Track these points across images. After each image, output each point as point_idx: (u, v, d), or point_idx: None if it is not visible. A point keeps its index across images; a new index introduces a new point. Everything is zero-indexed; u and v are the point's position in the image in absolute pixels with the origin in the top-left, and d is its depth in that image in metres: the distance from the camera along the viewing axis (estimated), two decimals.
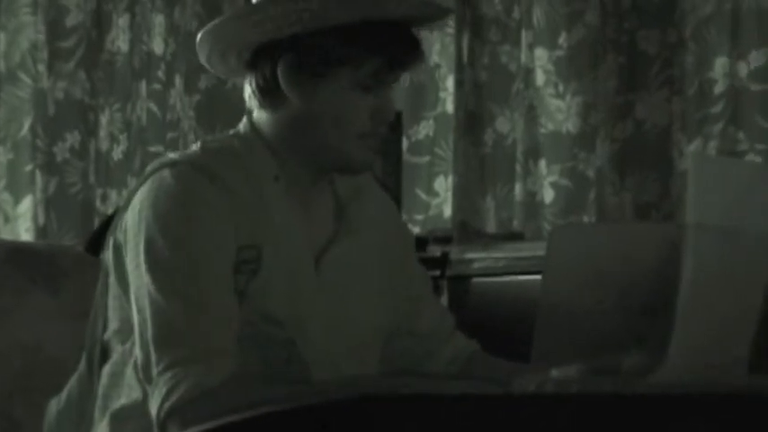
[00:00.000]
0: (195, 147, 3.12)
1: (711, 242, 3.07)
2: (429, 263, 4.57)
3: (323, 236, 3.17)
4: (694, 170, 3.12)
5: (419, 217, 6.19)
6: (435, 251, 4.75)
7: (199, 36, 3.11)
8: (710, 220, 3.08)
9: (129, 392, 3.06)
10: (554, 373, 2.95)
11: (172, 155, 3.11)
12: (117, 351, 3.10)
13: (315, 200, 3.16)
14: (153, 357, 2.88)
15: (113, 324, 3.09)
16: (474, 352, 3.42)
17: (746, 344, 3.16)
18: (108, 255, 3.08)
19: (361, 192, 3.27)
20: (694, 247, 3.03)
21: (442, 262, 4.63)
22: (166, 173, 2.99)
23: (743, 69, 6.15)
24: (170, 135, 5.60)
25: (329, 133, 3.03)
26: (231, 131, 3.18)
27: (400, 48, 3.07)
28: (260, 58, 3.05)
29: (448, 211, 6.21)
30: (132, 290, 2.97)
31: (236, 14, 3.19)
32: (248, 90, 3.10)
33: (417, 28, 3.15)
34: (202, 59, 3.21)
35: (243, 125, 3.14)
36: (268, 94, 3.05)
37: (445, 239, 5.12)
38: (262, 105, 3.07)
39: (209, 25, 3.11)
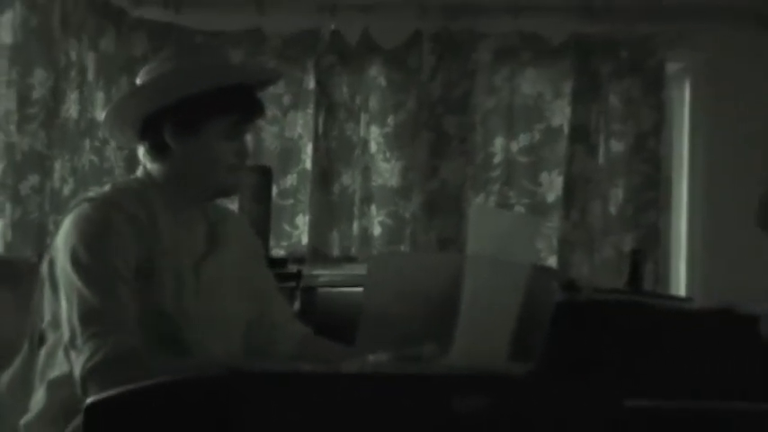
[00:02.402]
0: (107, 187, 3.18)
1: (483, 268, 3.08)
2: (287, 277, 4.57)
3: (200, 249, 3.20)
4: (473, 216, 3.15)
5: (284, 243, 6.18)
6: (293, 268, 4.72)
7: (103, 115, 3.26)
8: (484, 253, 3.10)
9: (60, 367, 3.09)
10: (371, 357, 2.96)
11: (90, 193, 3.18)
12: (51, 337, 3.13)
13: (194, 223, 3.22)
14: (78, 332, 2.94)
15: (47, 317, 3.12)
16: (314, 337, 3.42)
17: (506, 341, 3.16)
18: (44, 266, 3.12)
19: (225, 217, 3.33)
20: (471, 272, 3.04)
21: (297, 276, 4.61)
22: (86, 206, 3.07)
23: (514, 146, 6.25)
24: (105, 179, 5.54)
25: (207, 171, 3.12)
26: (132, 177, 3.29)
27: (249, 108, 3.18)
28: (148, 126, 3.12)
29: (305, 240, 6.21)
30: (62, 287, 3.03)
31: (125, 95, 3.40)
32: (141, 150, 3.18)
33: (263, 89, 3.29)
34: (106, 134, 3.41)
35: (140, 173, 3.22)
36: (157, 150, 3.13)
37: (300, 260, 5.10)
38: (154, 160, 3.16)
39: (109, 107, 3.30)
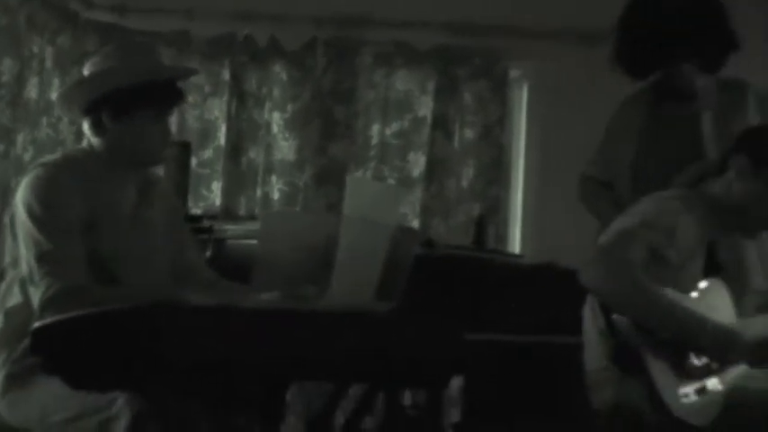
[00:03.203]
0: (57, 155, 3.26)
1: (356, 227, 3.10)
2: (202, 230, 4.54)
3: (132, 204, 3.25)
4: (349, 185, 3.17)
5: (201, 204, 6.14)
6: (206, 224, 4.70)
7: (56, 96, 3.34)
8: (357, 215, 3.12)
9: (15, 298, 3.08)
10: (264, 296, 2.98)
11: (42, 159, 3.26)
12: (9, 274, 3.12)
13: (127, 186, 3.25)
14: (35, 270, 2.96)
15: (8, 258, 3.11)
16: (218, 278, 3.44)
17: (373, 285, 3.19)
18: (6, 219, 3.12)
19: (153, 182, 3.39)
20: (346, 230, 3.07)
21: (210, 230, 4.59)
22: (40, 169, 3.12)
23: (388, 132, 6.29)
24: (59, 149, 5.44)
25: (137, 147, 3.19)
26: (78, 147, 3.36)
27: (171, 98, 3.25)
28: (91, 108, 3.16)
29: (218, 202, 6.19)
30: (20, 235, 3.02)
31: (74, 83, 3.48)
32: (86, 126, 3.21)
33: (183, 80, 3.41)
34: (60, 112, 3.50)
35: (85, 144, 3.26)
36: (97, 128, 3.17)
37: (213, 217, 5.07)
38: (95, 135, 3.19)
39: (61, 91, 3.59)
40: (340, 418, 4.22)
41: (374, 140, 6.29)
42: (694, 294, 3.27)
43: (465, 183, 6.26)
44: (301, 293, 3.07)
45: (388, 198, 3.32)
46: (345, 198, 3.13)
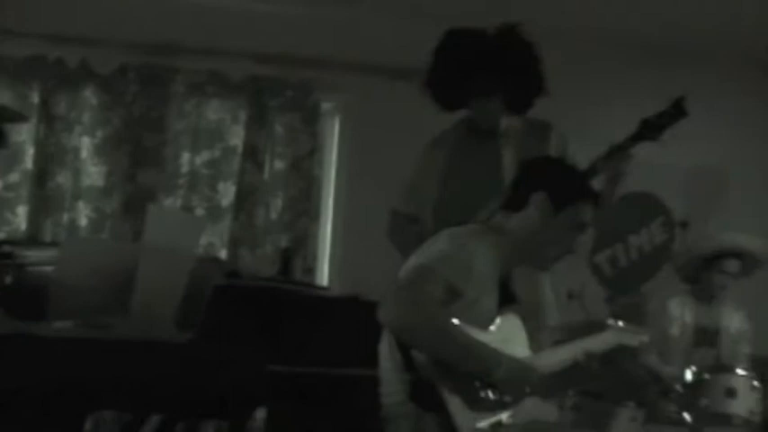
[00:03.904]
0: None
1: (156, 256, 3.07)
2: (2, 256, 4.42)
3: None
4: (150, 214, 3.14)
5: (6, 228, 6.03)
6: (7, 249, 4.57)
7: None
8: (157, 244, 3.09)
9: None
10: (58, 324, 2.92)
11: None
12: None
13: None
14: None
15: None
16: None
17: (171, 314, 3.17)
18: None
19: None
20: (146, 258, 3.03)
21: (10, 255, 4.46)
22: None
23: (198, 160, 6.32)
24: None
25: None
26: None
27: None
28: None
29: (23, 227, 6.04)
30: None
31: None
32: None
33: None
34: None
35: None
36: None
37: (15, 242, 4.92)
38: None
39: None
40: None
41: (184, 169, 6.26)
42: (490, 329, 3.32)
43: (274, 214, 6.27)
44: (98, 322, 3.02)
45: (188, 228, 3.30)
46: (146, 227, 3.11)
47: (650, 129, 3.98)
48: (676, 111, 3.98)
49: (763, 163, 6.87)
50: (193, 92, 6.27)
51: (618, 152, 3.99)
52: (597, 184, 4.06)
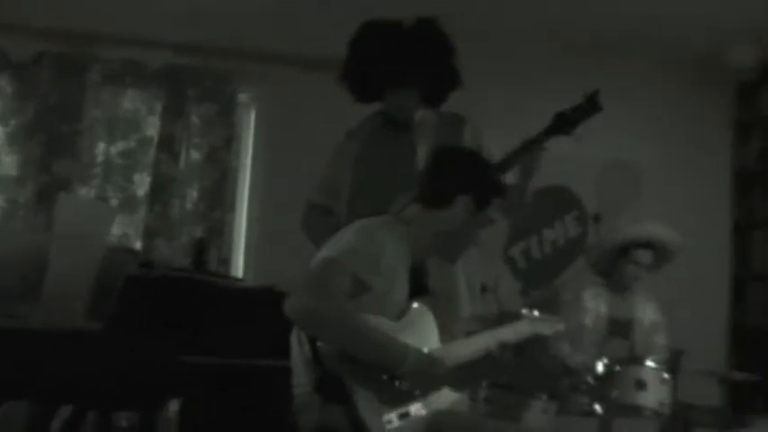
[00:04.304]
0: None
1: (66, 245, 3.03)
2: None
3: None
4: (60, 204, 3.11)
5: None
6: None
7: None
8: (68, 233, 3.06)
9: None
10: None
11: None
12: None
13: None
14: None
15: None
16: None
17: (82, 304, 3.14)
18: None
19: None
20: (56, 248, 3.00)
21: None
22: None
23: (113, 150, 6.24)
24: None
25: None
26: None
27: None
28: None
29: None
30: None
31: None
32: None
33: None
34: None
35: None
36: None
37: None
38: None
39: None
40: None
41: (99, 159, 6.19)
42: (400, 321, 3.32)
43: (189, 204, 6.22)
44: (9, 311, 2.97)
45: (99, 216, 3.27)
46: (56, 216, 3.06)
47: (564, 123, 4.02)
48: (590, 105, 4.02)
49: (673, 158, 6.97)
50: (110, 81, 6.20)
51: (531, 146, 4.02)
52: (511, 177, 4.10)
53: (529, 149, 4.03)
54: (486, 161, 3.72)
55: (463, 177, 3.45)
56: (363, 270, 3.19)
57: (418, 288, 3.47)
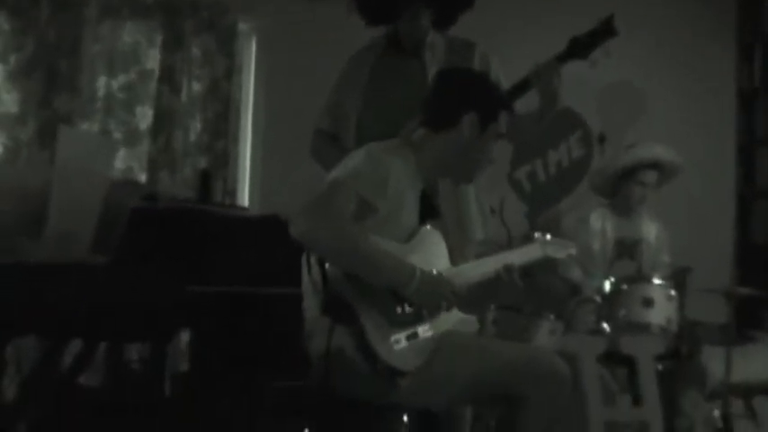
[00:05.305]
0: None
1: (70, 178, 3.01)
2: None
3: None
4: (61, 137, 3.07)
5: None
6: None
7: None
8: (71, 166, 3.03)
9: None
10: None
11: None
12: None
13: None
14: None
15: None
16: None
17: (88, 236, 3.12)
18: None
19: None
20: (59, 180, 2.97)
21: None
22: None
23: (114, 84, 6.21)
24: None
25: None
26: None
27: None
28: None
29: None
30: None
31: None
32: None
33: None
34: None
35: None
36: None
37: None
38: None
39: None
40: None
41: (100, 93, 6.14)
42: (409, 243, 3.31)
43: (192, 136, 6.20)
44: (12, 245, 2.95)
45: (100, 149, 3.24)
46: (57, 150, 3.03)
47: (580, 47, 3.97)
48: (606, 29, 3.97)
49: (676, 78, 6.92)
50: (108, 15, 6.13)
51: (546, 70, 3.97)
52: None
53: (545, 72, 3.98)
54: (487, 78, 3.69)
55: (465, 95, 3.43)
56: (369, 192, 3.18)
57: (430, 211, 3.46)
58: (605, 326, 4.93)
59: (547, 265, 3.87)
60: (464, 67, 4.07)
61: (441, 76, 3.59)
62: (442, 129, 3.42)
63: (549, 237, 3.66)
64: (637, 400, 4.86)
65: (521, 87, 3.98)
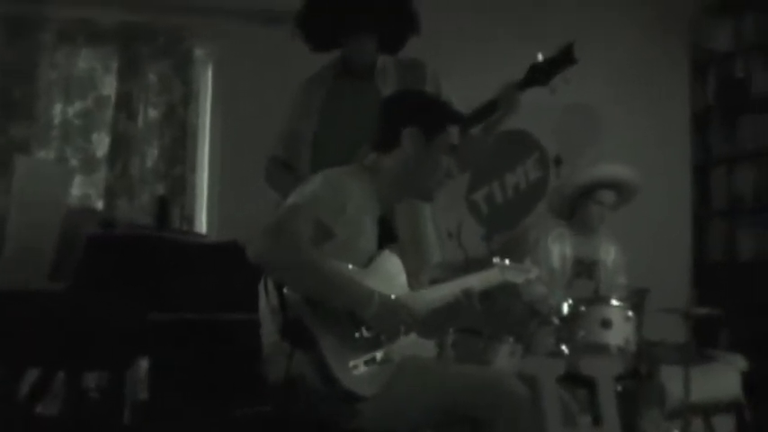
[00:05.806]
0: None
1: (25, 208, 3.00)
2: None
3: None
4: (18, 167, 3.07)
5: None
6: None
7: None
8: (25, 196, 3.02)
9: None
10: None
11: None
12: None
13: None
14: None
15: None
16: None
17: (46, 264, 3.10)
18: None
19: None
20: (16, 209, 2.96)
21: None
22: None
23: (71, 111, 6.15)
24: None
25: None
26: None
27: None
28: None
29: None
30: None
31: None
32: None
33: None
34: None
35: None
36: None
37: None
38: None
39: None
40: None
41: (57, 120, 6.11)
42: (368, 268, 3.31)
43: (149, 163, 6.17)
44: None
45: (57, 178, 3.23)
46: (14, 179, 3.02)
47: (540, 74, 4.00)
48: (565, 57, 4.01)
49: (631, 100, 6.98)
50: (64, 41, 6.11)
51: (506, 97, 4.01)
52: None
53: (503, 101, 4.01)
54: (425, 93, 3.70)
55: (400, 112, 3.45)
56: (327, 216, 3.18)
57: (388, 235, 3.46)
58: (564, 348, 4.96)
59: (508, 291, 3.88)
60: (409, 88, 4.09)
61: (382, 101, 3.65)
62: (387, 149, 3.44)
63: (507, 262, 3.66)
64: (597, 421, 4.88)
65: (482, 113, 4.01)
